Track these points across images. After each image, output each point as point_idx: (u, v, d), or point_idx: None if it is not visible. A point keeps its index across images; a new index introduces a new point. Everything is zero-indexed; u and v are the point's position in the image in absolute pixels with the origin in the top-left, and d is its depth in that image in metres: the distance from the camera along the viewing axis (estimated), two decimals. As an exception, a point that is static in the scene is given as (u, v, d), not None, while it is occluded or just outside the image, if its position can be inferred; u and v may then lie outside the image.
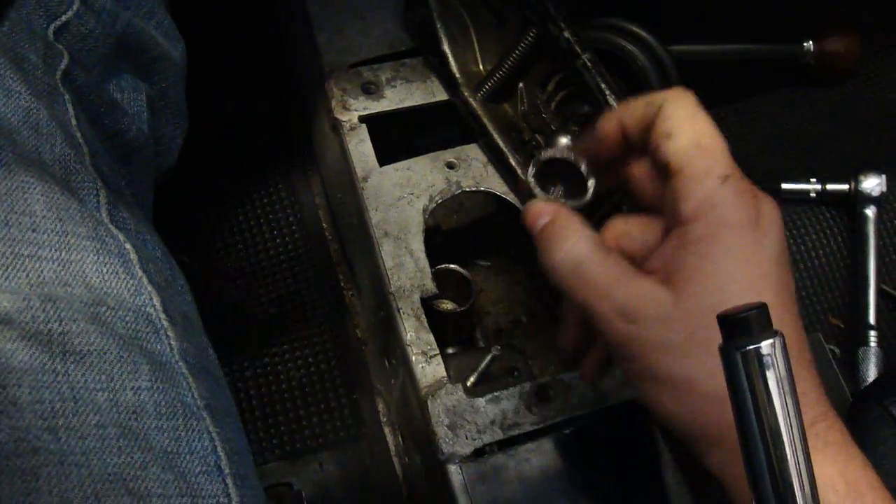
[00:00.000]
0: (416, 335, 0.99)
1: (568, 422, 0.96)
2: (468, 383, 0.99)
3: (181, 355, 0.70)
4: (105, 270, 0.68)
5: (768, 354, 0.54)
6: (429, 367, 0.97)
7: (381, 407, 1.20)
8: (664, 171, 0.71)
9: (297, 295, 1.34)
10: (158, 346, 0.69)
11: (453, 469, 0.92)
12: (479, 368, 1.00)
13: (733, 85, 1.63)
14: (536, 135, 1.08)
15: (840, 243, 1.54)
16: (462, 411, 0.94)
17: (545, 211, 0.76)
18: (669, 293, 0.68)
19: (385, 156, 1.09)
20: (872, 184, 1.52)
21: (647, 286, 0.69)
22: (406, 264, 1.02)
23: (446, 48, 1.10)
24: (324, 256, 1.35)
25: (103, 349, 0.64)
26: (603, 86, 0.99)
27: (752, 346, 0.54)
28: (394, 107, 1.12)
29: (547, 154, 0.80)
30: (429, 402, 0.95)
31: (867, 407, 1.02)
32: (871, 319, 1.44)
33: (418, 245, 1.03)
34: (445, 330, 1.08)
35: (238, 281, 1.34)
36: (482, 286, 1.22)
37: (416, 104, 1.13)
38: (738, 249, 0.67)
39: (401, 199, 1.06)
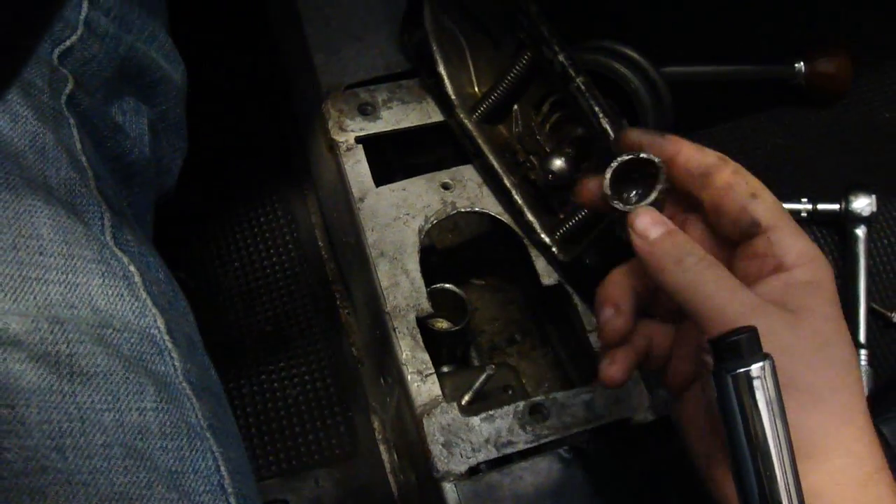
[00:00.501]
0: (411, 354, 1.00)
1: (562, 440, 0.97)
2: (463, 402, 1.00)
3: (185, 376, 0.71)
4: (110, 293, 0.69)
5: (758, 377, 0.56)
6: (424, 386, 0.98)
7: (376, 425, 1.21)
8: (748, 228, 0.76)
9: (294, 313, 1.35)
10: (163, 367, 0.70)
11: (448, 487, 0.93)
12: (474, 387, 1.01)
13: (725, 105, 1.64)
14: (531, 156, 1.09)
15: (830, 262, 1.55)
16: (457, 429, 0.95)
17: (659, 221, 0.77)
18: (789, 322, 0.71)
19: (381, 176, 1.10)
20: (863, 204, 1.53)
21: (770, 310, 0.71)
22: (402, 284, 1.03)
23: (442, 70, 1.11)
24: (320, 275, 1.35)
25: (109, 370, 0.65)
26: (597, 108, 1.00)
27: (742, 369, 0.56)
28: (390, 128, 1.13)
29: (624, 158, 0.79)
30: (424, 421, 0.95)
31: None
32: (862, 338, 1.45)
33: (414, 265, 1.04)
34: (440, 349, 1.09)
35: (235, 299, 1.35)
36: (476, 305, 1.23)
37: (412, 125, 1.14)
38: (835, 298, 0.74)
39: (397, 219, 1.07)
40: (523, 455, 0.97)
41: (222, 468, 0.69)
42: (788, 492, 0.56)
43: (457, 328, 1.11)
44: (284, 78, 1.39)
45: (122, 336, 0.68)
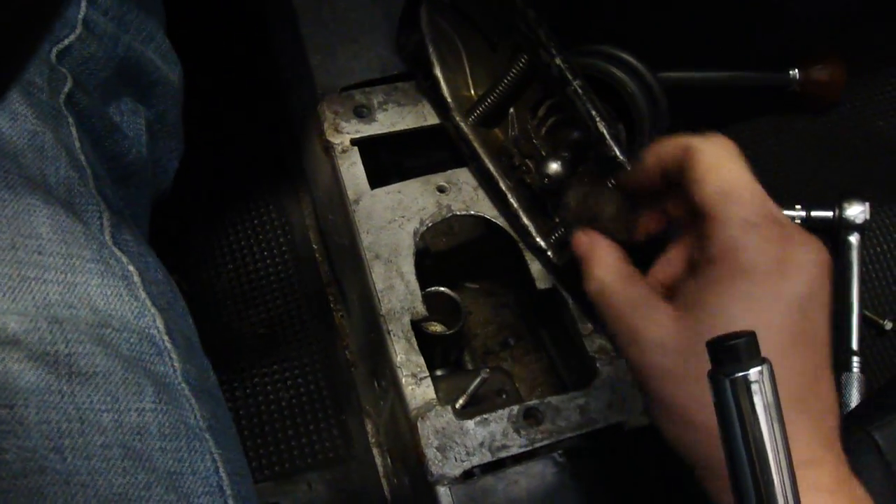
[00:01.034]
0: (406, 357, 1.00)
1: (556, 444, 0.97)
2: (457, 405, 0.99)
3: (184, 377, 0.71)
4: (109, 293, 0.69)
5: (756, 381, 0.55)
6: (418, 389, 0.98)
7: (369, 428, 1.21)
8: (697, 213, 0.74)
9: (287, 316, 1.35)
10: (162, 368, 0.70)
11: (442, 491, 0.93)
12: (469, 390, 1.01)
13: (720, 111, 1.65)
14: (527, 160, 1.09)
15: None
16: (451, 433, 0.95)
17: (583, 241, 0.81)
18: (676, 324, 0.70)
19: (376, 179, 1.10)
20: (856, 211, 1.53)
21: (658, 314, 0.72)
22: (397, 287, 1.03)
23: (438, 73, 1.11)
24: (314, 278, 1.35)
25: (108, 370, 0.65)
26: (593, 112, 0.99)
27: (740, 374, 0.55)
28: (385, 130, 1.13)
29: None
30: (418, 424, 0.95)
31: (850, 433, 1.03)
32: (854, 345, 1.46)
33: (409, 268, 1.04)
34: (434, 352, 1.09)
35: (228, 301, 1.34)
36: (471, 308, 1.23)
37: (408, 128, 1.14)
38: (752, 295, 0.69)
39: (392, 221, 1.07)
40: (517, 459, 0.97)
41: (221, 469, 0.69)
42: (786, 497, 0.56)
43: (451, 332, 1.10)
44: (280, 79, 1.39)
45: (121, 336, 0.68)
